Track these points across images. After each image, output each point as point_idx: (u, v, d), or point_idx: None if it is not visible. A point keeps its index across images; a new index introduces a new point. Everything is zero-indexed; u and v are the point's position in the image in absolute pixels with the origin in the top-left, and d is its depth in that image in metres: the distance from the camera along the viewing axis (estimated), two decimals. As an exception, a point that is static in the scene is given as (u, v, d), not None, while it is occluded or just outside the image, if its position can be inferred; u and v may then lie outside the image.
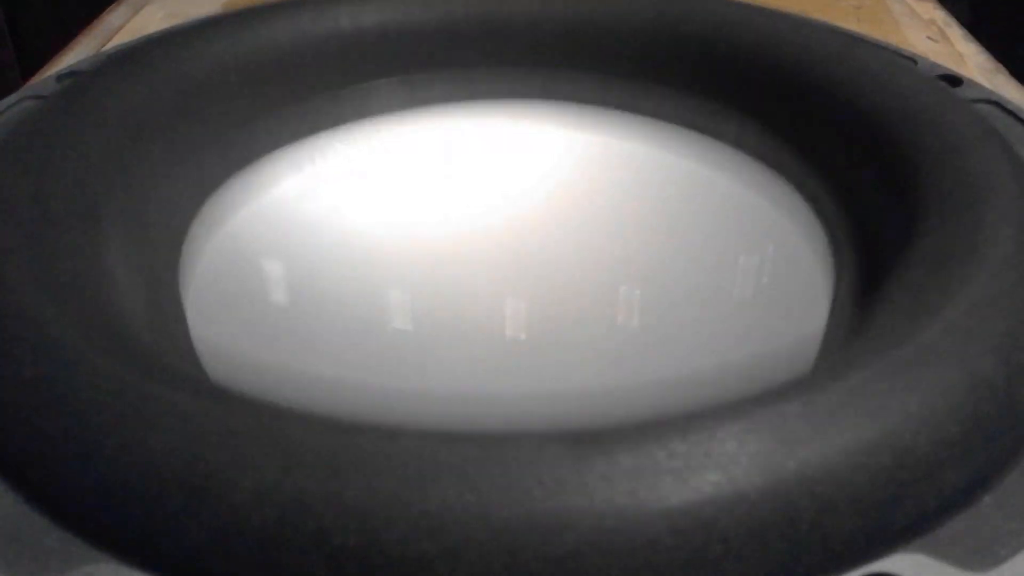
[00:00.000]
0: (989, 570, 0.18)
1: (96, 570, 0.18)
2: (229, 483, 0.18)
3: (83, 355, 0.20)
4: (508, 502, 0.17)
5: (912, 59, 0.38)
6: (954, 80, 0.37)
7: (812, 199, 0.33)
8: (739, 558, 0.17)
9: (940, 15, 0.51)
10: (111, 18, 0.52)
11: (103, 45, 0.48)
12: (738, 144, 0.36)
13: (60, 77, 0.37)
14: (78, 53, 0.48)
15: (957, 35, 0.49)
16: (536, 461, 0.18)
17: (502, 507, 0.17)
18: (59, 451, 0.19)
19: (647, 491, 0.17)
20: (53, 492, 0.19)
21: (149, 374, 0.20)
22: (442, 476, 0.18)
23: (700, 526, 0.17)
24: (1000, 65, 0.45)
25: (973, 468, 0.20)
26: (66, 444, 0.19)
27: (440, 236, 0.37)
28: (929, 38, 0.48)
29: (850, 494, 0.18)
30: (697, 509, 0.17)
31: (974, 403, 0.20)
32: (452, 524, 0.17)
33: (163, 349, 0.23)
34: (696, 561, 0.17)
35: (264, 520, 0.17)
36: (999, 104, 0.35)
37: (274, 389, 0.21)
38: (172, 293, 0.28)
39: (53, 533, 0.19)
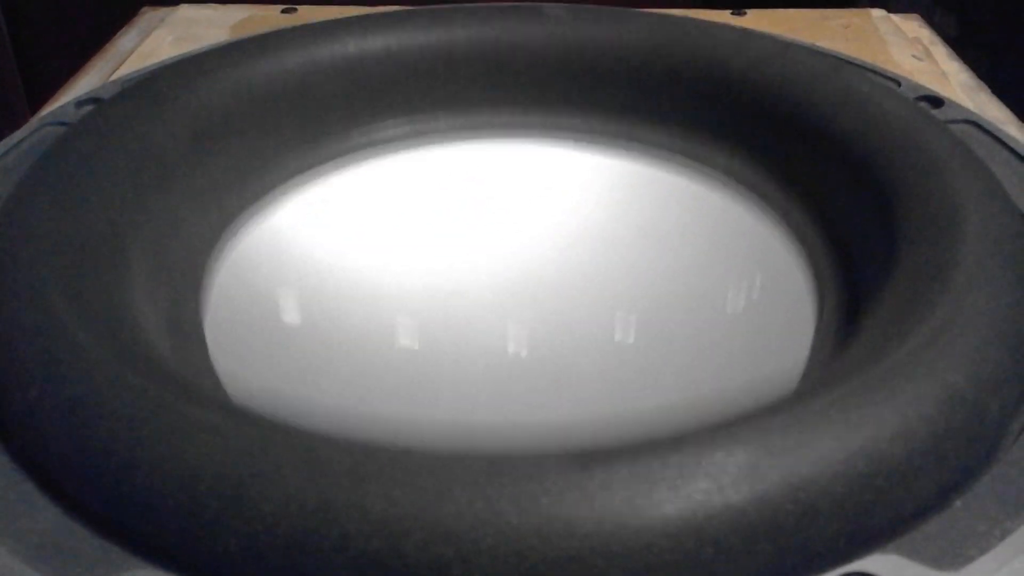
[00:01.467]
0: (959, 569, 0.20)
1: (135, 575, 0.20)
2: (258, 494, 0.19)
3: (120, 375, 0.22)
4: (516, 510, 0.19)
5: (896, 80, 0.40)
6: (935, 101, 0.38)
7: (796, 227, 0.35)
8: (728, 560, 0.19)
9: (926, 33, 0.53)
10: (122, 41, 0.53)
11: (115, 69, 0.49)
12: (728, 171, 0.38)
13: (79, 104, 0.39)
14: (90, 78, 0.49)
15: (942, 53, 0.51)
16: (541, 472, 0.19)
17: (511, 514, 0.19)
18: (99, 465, 0.21)
19: (643, 499, 0.19)
20: (93, 503, 0.21)
21: (181, 394, 0.21)
22: (456, 486, 0.19)
23: (692, 531, 0.19)
24: (982, 83, 0.47)
25: (945, 474, 0.21)
26: (106, 458, 0.21)
27: (446, 265, 0.38)
28: (914, 56, 0.49)
29: (830, 500, 0.20)
30: (689, 515, 0.19)
31: (945, 414, 0.22)
32: (466, 530, 0.19)
33: (187, 373, 0.24)
34: (689, 563, 0.19)
35: (291, 527, 0.19)
36: (978, 124, 0.37)
37: (290, 414, 0.23)
38: (194, 323, 0.30)
39: (94, 542, 0.20)
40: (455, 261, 0.39)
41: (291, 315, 0.35)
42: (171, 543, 0.20)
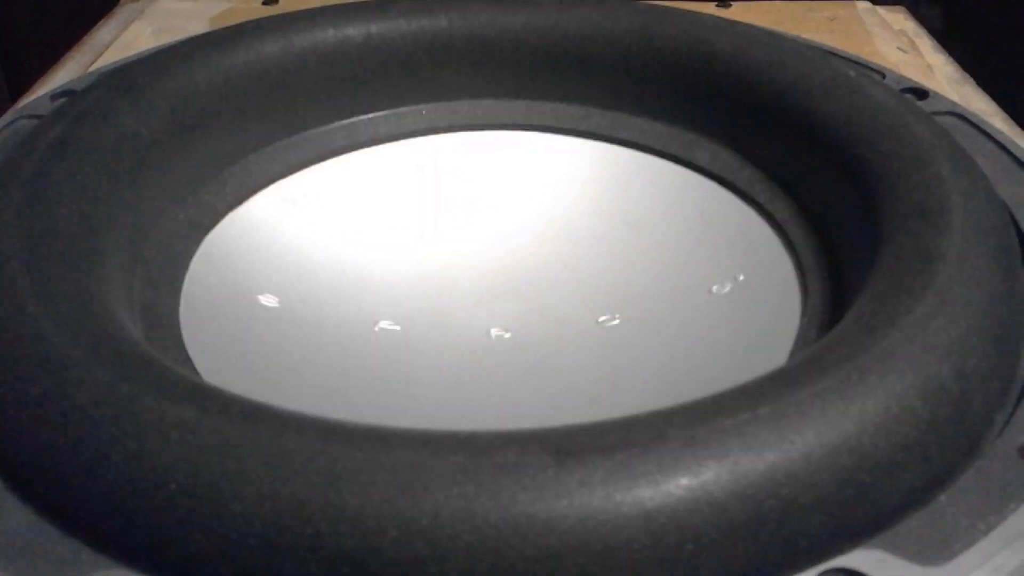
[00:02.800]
0: (943, 564, 0.19)
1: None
2: (229, 492, 0.19)
3: (88, 372, 0.21)
4: (493, 506, 0.18)
5: (881, 72, 0.40)
6: (920, 93, 0.38)
7: (781, 219, 0.34)
8: (710, 555, 0.19)
9: (911, 26, 0.53)
10: (100, 34, 0.53)
11: (93, 61, 0.49)
12: (711, 167, 0.37)
13: (54, 96, 0.38)
14: (69, 69, 0.48)
15: (927, 46, 0.50)
16: (519, 467, 0.19)
17: (488, 511, 0.18)
18: (68, 463, 0.20)
19: (623, 494, 0.19)
20: (63, 503, 0.20)
21: (152, 390, 0.21)
22: (432, 482, 0.19)
23: (673, 526, 0.19)
24: (967, 75, 0.47)
25: (929, 469, 0.21)
26: (74, 457, 0.20)
27: (428, 256, 0.38)
28: (900, 49, 0.49)
29: (813, 495, 0.19)
30: (670, 510, 0.19)
31: (929, 408, 0.21)
32: (441, 527, 0.18)
33: (162, 368, 0.24)
34: (670, 559, 0.19)
35: (263, 527, 0.19)
36: (963, 116, 0.36)
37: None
38: (170, 317, 0.30)
39: (64, 542, 0.20)
40: (437, 253, 0.38)
41: (269, 309, 0.34)
42: (142, 543, 0.20)
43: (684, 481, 0.19)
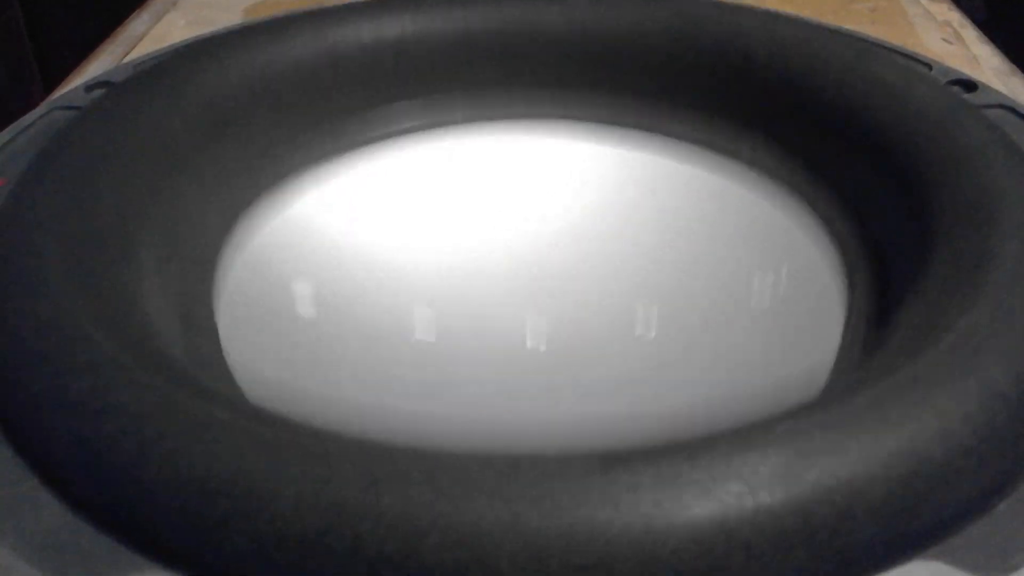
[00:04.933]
0: (1003, 576, 0.19)
1: (142, 576, 0.19)
2: (271, 494, 0.19)
3: (128, 371, 0.21)
4: (537, 512, 0.18)
5: (927, 64, 0.39)
6: (968, 85, 0.37)
7: (826, 217, 0.33)
8: (761, 567, 0.18)
9: (955, 16, 0.52)
10: (134, 25, 0.53)
11: (127, 53, 0.49)
12: (752, 160, 0.37)
13: (89, 87, 0.38)
14: (102, 61, 0.48)
15: (972, 36, 0.49)
16: (564, 473, 0.18)
17: (532, 517, 0.18)
18: (105, 462, 0.20)
19: (671, 502, 0.18)
20: (100, 502, 0.20)
21: (192, 390, 0.21)
22: (475, 488, 0.18)
23: (723, 536, 0.18)
24: (1015, 67, 0.46)
25: (988, 476, 0.20)
26: (112, 456, 0.20)
27: (463, 254, 0.37)
28: (944, 40, 0.48)
29: (868, 504, 0.19)
30: (720, 519, 0.18)
31: (987, 413, 0.21)
32: (484, 534, 0.18)
33: (200, 368, 0.24)
34: (719, 570, 0.18)
35: (304, 529, 0.18)
36: (1013, 109, 0.35)
37: (304, 407, 0.22)
38: (206, 315, 0.29)
39: (101, 541, 0.20)
40: (472, 251, 0.38)
41: (305, 305, 0.34)
42: (179, 543, 0.19)
43: (735, 488, 0.18)
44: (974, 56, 0.46)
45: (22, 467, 0.21)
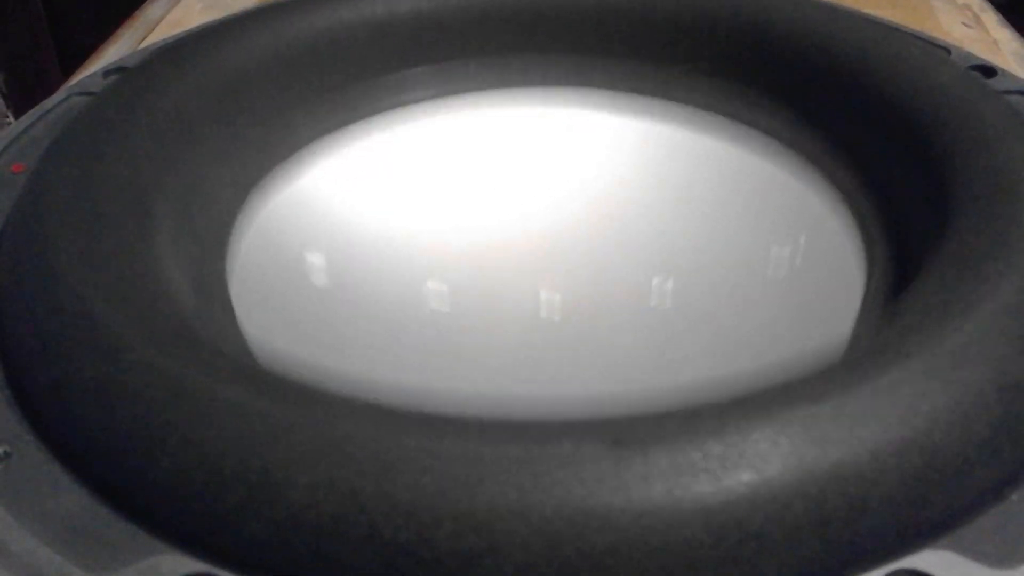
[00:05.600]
0: (1016, 567, 0.19)
1: (160, 561, 0.19)
2: (286, 480, 0.19)
3: (142, 355, 0.21)
4: (549, 500, 0.18)
5: (946, 48, 0.39)
6: (988, 70, 0.37)
7: (845, 191, 0.33)
8: (772, 555, 0.18)
9: (976, 0, 0.51)
10: (151, 10, 0.53)
11: (144, 38, 0.49)
12: (770, 132, 0.36)
13: (106, 73, 0.38)
14: (120, 46, 0.49)
15: (992, 21, 0.49)
16: (576, 460, 0.19)
17: (543, 504, 0.18)
18: (122, 447, 0.20)
19: (683, 490, 0.18)
20: (119, 487, 0.20)
21: (208, 371, 0.21)
22: (487, 475, 0.18)
23: (734, 524, 0.18)
24: (1035, 51, 0.45)
25: (1002, 467, 0.20)
26: (129, 441, 0.20)
27: (477, 224, 0.37)
28: (964, 24, 0.47)
29: (881, 493, 0.19)
30: (732, 508, 0.18)
31: (1004, 403, 0.20)
32: (496, 521, 0.18)
33: (215, 341, 0.24)
34: (731, 558, 0.18)
35: (319, 515, 0.18)
36: (1033, 96, 0.35)
37: (318, 379, 0.22)
38: (220, 285, 0.29)
39: (119, 525, 0.20)
40: (486, 224, 0.38)
41: (319, 278, 0.34)
42: (196, 528, 0.19)
43: (746, 477, 0.18)
44: (994, 40, 0.46)
45: (44, 451, 0.22)
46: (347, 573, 0.18)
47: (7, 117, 1.12)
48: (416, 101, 0.39)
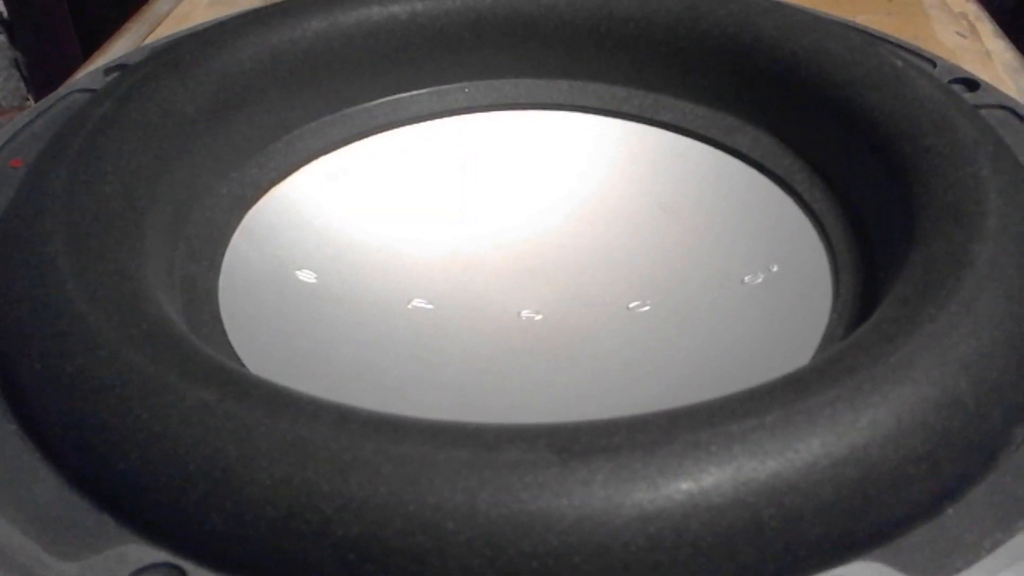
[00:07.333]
0: (944, 579, 0.19)
1: (127, 550, 0.20)
2: (247, 476, 0.20)
3: (118, 352, 0.22)
4: (494, 502, 0.19)
5: (932, 61, 0.39)
6: (971, 84, 0.37)
7: (818, 213, 0.34)
8: (706, 560, 0.19)
9: (972, 8, 0.51)
10: (159, 5, 0.54)
11: (149, 33, 0.50)
12: (750, 150, 0.37)
13: (108, 70, 0.39)
14: (126, 41, 0.50)
15: (987, 30, 0.49)
16: (523, 465, 0.19)
17: (489, 506, 0.19)
18: (97, 441, 0.21)
19: (623, 496, 0.19)
20: (92, 478, 0.21)
21: (180, 371, 0.22)
22: (437, 477, 0.19)
23: (671, 530, 0.19)
24: (1028, 63, 0.45)
25: (938, 482, 0.21)
26: (102, 434, 0.21)
27: (463, 236, 0.38)
28: (958, 34, 0.48)
29: (814, 505, 0.19)
30: (668, 514, 0.19)
31: (944, 420, 0.21)
32: (443, 520, 0.19)
33: (200, 344, 0.25)
34: (666, 563, 0.19)
35: (276, 511, 0.19)
36: (1013, 110, 0.35)
37: (304, 385, 0.23)
38: (209, 292, 0.30)
39: (91, 515, 0.21)
40: (473, 233, 0.39)
41: (306, 284, 0.35)
42: (162, 520, 0.20)
43: (684, 486, 0.19)
44: (987, 51, 0.46)
45: (25, 440, 0.23)
46: (302, 566, 0.19)
47: (27, 100, 1.14)
48: (409, 111, 0.40)
